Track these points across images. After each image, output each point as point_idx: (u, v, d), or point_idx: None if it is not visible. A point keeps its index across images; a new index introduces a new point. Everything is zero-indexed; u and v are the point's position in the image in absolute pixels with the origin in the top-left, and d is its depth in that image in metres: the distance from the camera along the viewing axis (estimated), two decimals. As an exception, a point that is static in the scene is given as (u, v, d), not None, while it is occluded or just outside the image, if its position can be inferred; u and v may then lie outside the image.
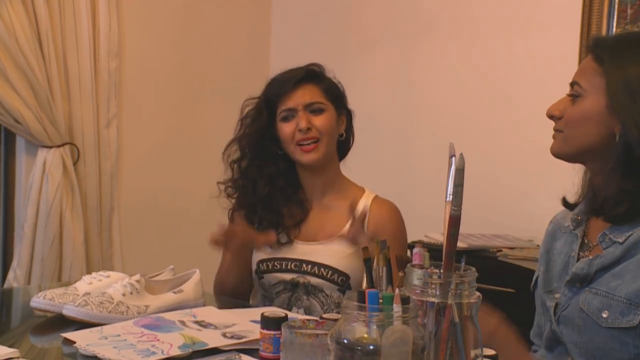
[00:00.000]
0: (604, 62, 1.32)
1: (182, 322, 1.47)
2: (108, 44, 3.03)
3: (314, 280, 1.85)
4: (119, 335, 1.37)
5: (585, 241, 1.40)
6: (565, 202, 1.48)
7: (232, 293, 1.93)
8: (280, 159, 1.91)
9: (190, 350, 1.31)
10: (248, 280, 1.95)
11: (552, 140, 1.42)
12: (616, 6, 2.53)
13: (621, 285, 1.28)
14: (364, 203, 1.92)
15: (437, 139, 2.94)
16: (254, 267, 1.93)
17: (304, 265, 1.86)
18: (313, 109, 1.87)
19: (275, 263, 1.89)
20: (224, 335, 1.40)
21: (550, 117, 1.39)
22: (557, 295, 1.40)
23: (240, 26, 3.59)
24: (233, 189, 1.94)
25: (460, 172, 1.00)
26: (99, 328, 1.42)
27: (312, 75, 1.90)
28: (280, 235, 1.90)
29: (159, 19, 3.31)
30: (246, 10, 3.63)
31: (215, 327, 1.45)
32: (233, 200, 1.95)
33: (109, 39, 3.03)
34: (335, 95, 1.93)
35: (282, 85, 1.88)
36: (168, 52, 3.34)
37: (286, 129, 1.87)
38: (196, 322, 1.47)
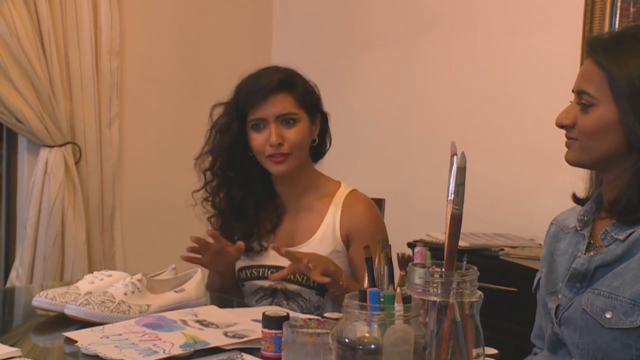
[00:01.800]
0: (604, 68, 1.31)
1: (184, 322, 1.47)
2: (110, 43, 3.03)
3: (291, 286, 1.84)
4: (120, 335, 1.37)
5: (592, 241, 1.39)
6: (575, 199, 1.46)
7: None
8: (254, 163, 1.87)
9: (192, 349, 1.31)
10: (233, 287, 1.95)
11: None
12: (618, 5, 2.53)
13: (624, 285, 1.27)
14: (336, 201, 1.89)
15: (439, 137, 2.94)
16: (236, 274, 1.93)
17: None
18: (285, 119, 1.82)
19: (253, 270, 1.89)
20: (226, 334, 1.40)
21: (561, 126, 1.37)
22: (560, 296, 1.39)
23: (241, 25, 3.60)
24: (208, 195, 1.92)
25: (461, 170, 1.00)
26: (100, 327, 1.42)
27: (284, 83, 1.82)
28: (254, 244, 1.88)
29: (160, 18, 3.31)
30: (248, 9, 3.63)
31: (217, 327, 1.45)
32: (209, 206, 1.93)
33: (111, 38, 3.04)
34: (309, 102, 1.86)
35: (253, 95, 1.82)
36: (170, 51, 3.34)
37: (257, 139, 1.82)
38: (198, 322, 1.47)
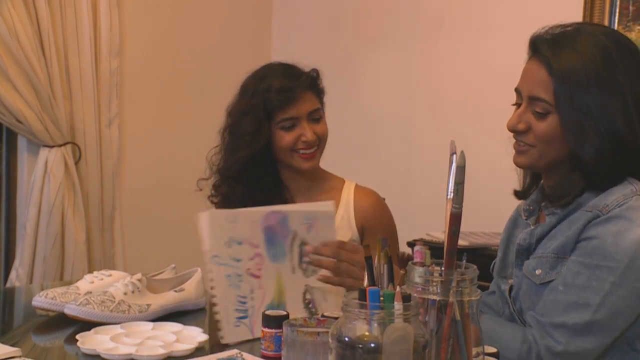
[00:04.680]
0: (553, 74, 1.31)
1: (293, 240, 1.50)
2: (109, 44, 3.04)
3: None
4: (239, 261, 1.45)
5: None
6: (516, 193, 1.51)
7: None
8: (266, 160, 1.88)
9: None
10: None
11: None
12: (618, 3, 2.53)
13: (552, 243, 1.34)
14: (346, 194, 1.93)
15: (439, 136, 2.94)
16: None
17: None
18: (314, 117, 1.87)
19: None
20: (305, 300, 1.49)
21: (514, 131, 1.38)
22: (511, 281, 1.45)
23: (241, 25, 3.60)
24: (216, 193, 1.93)
25: (461, 169, 1.00)
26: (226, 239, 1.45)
27: (312, 82, 1.88)
28: None
29: (160, 18, 3.31)
30: (247, 9, 3.63)
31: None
32: (215, 201, 1.94)
33: (110, 38, 3.04)
34: (323, 95, 1.93)
35: (285, 94, 1.83)
36: (169, 51, 3.34)
37: (288, 138, 1.84)
38: (303, 243, 1.50)
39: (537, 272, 1.34)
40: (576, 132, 1.30)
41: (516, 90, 1.39)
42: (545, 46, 1.35)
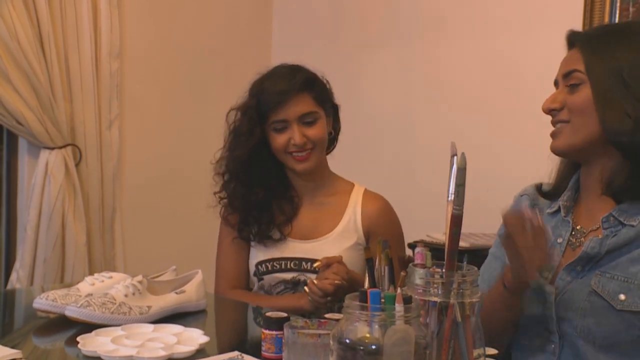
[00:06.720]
0: (584, 46, 1.34)
1: None
2: (109, 45, 3.04)
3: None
4: None
5: (578, 227, 1.39)
6: (544, 194, 1.49)
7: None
8: (270, 159, 1.90)
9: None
10: (246, 285, 1.98)
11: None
12: (618, 5, 2.53)
13: (637, 266, 1.28)
14: (354, 197, 1.94)
15: (440, 137, 2.94)
16: (252, 269, 1.94)
17: (304, 263, 1.87)
18: (307, 120, 1.86)
19: (275, 263, 1.90)
20: None
21: (549, 111, 1.37)
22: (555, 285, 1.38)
23: (241, 27, 3.60)
24: (225, 192, 1.94)
25: (461, 171, 1.00)
26: None
27: (305, 84, 1.86)
28: (272, 232, 1.91)
29: (160, 20, 3.31)
30: (247, 12, 3.63)
31: None
32: (224, 202, 1.96)
33: (111, 40, 3.04)
34: (325, 98, 1.91)
35: (275, 97, 1.84)
36: (170, 53, 3.35)
37: (279, 140, 1.86)
38: None
39: (621, 297, 1.27)
40: (605, 100, 1.29)
41: (555, 81, 1.41)
42: (584, 36, 1.40)
